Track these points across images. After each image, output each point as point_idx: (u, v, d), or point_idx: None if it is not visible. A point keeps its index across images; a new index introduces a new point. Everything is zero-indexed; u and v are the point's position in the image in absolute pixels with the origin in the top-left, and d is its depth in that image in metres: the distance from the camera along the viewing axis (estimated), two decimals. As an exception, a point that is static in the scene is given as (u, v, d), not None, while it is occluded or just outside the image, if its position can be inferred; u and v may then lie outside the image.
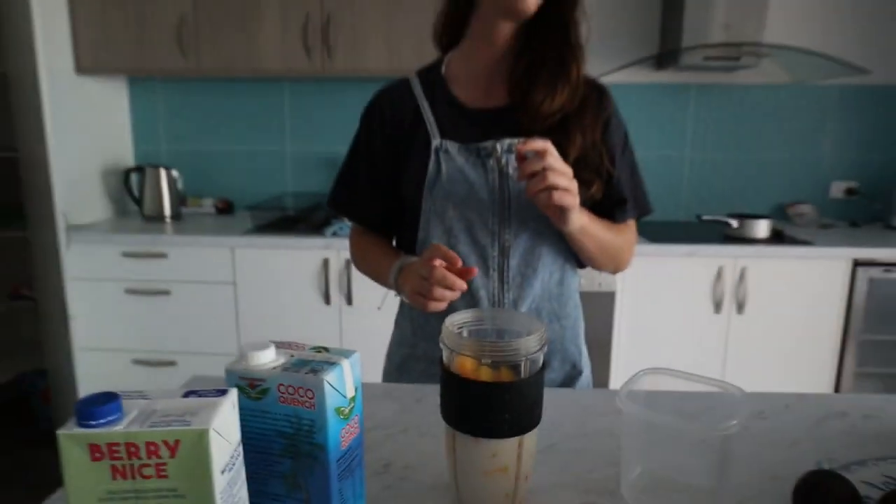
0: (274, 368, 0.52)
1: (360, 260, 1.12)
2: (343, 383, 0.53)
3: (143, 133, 2.95)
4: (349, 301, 2.38)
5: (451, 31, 1.03)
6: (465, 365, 0.62)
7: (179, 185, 2.81)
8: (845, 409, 0.88)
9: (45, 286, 2.46)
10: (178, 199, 2.77)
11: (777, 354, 2.41)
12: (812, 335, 2.40)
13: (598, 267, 1.05)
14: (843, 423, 0.84)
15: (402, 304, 1.09)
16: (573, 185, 0.85)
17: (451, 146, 0.97)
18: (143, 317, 2.45)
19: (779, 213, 2.90)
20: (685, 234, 2.49)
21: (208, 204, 2.89)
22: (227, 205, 2.90)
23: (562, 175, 0.83)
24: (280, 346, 0.56)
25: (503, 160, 0.95)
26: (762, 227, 2.45)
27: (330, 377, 0.50)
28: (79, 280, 2.41)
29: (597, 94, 1.01)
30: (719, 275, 2.35)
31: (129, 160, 2.92)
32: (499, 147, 0.95)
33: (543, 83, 0.95)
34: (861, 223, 2.83)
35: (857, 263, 2.34)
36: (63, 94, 2.41)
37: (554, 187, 0.82)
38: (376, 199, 1.06)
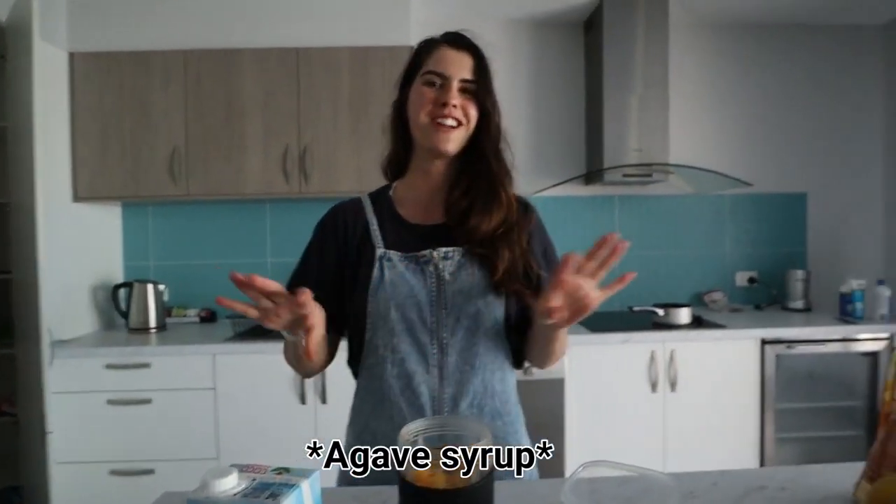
0: (235, 495, 0.48)
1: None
2: None
3: (133, 251, 2.90)
4: (323, 400, 2.29)
5: (395, 167, 1.10)
6: (421, 473, 0.59)
7: (165, 297, 2.74)
8: (764, 483, 0.87)
9: (26, 401, 2.28)
10: (164, 311, 2.69)
11: (708, 426, 2.39)
12: (735, 406, 2.41)
13: (541, 363, 1.03)
14: (762, 496, 0.83)
15: (349, 417, 1.05)
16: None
17: (394, 255, 0.99)
18: (124, 427, 2.27)
19: (696, 301, 2.99)
20: (620, 323, 2.52)
21: (192, 314, 2.81)
22: (210, 314, 2.82)
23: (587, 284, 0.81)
24: (244, 469, 0.53)
25: (440, 266, 0.97)
26: (684, 314, 2.51)
27: (288, 501, 0.47)
28: (61, 394, 2.24)
29: (521, 208, 1.04)
30: (652, 358, 2.37)
31: (119, 276, 2.85)
32: (436, 255, 0.98)
33: (479, 209, 0.99)
34: (763, 306, 2.93)
35: (765, 342, 2.39)
36: (59, 219, 2.36)
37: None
38: (320, 299, 0.98)
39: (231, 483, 0.49)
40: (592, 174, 2.77)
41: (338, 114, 2.52)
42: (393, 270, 0.97)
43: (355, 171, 2.52)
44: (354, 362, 1.04)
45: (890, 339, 2.43)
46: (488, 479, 0.60)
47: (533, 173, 2.87)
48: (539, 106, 2.95)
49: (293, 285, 1.03)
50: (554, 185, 2.78)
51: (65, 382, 2.25)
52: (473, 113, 0.99)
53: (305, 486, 0.50)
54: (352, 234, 1.03)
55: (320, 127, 2.52)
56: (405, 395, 0.95)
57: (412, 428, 0.64)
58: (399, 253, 0.99)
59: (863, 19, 2.98)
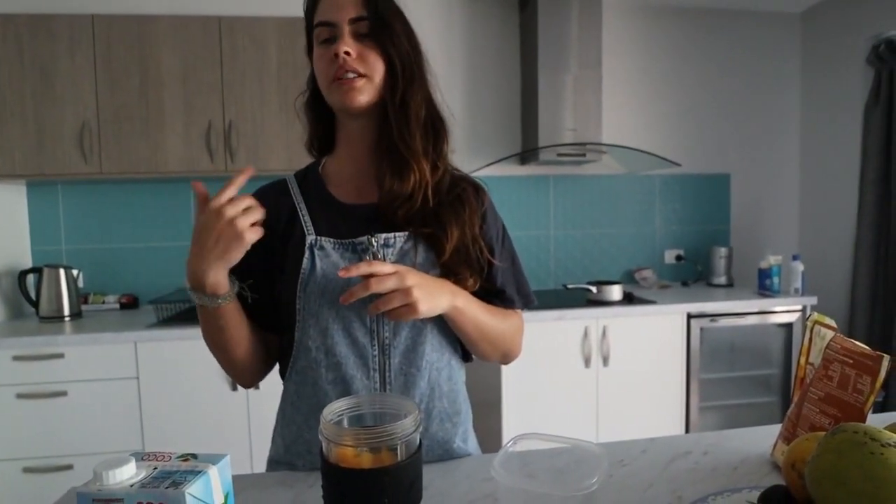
0: (132, 486, 0.44)
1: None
2: (210, 492, 0.46)
3: (42, 234, 2.67)
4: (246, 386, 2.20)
5: (319, 141, 0.97)
6: (346, 454, 0.57)
7: (80, 283, 2.55)
8: (689, 448, 0.91)
9: (-77, 397, 2.09)
10: (79, 298, 2.50)
11: (638, 397, 2.49)
12: (663, 378, 2.52)
13: (483, 354, 0.94)
14: (688, 461, 0.86)
15: (276, 421, 0.95)
16: (405, 282, 0.77)
17: (327, 242, 0.86)
18: (37, 421, 2.11)
19: (627, 278, 3.09)
20: (555, 301, 2.57)
21: (112, 300, 2.63)
22: (132, 300, 2.66)
23: (388, 278, 0.76)
24: (145, 458, 0.48)
25: (379, 255, 0.86)
26: (616, 291, 2.59)
27: (193, 489, 0.44)
28: (-37, 388, 2.07)
29: (472, 189, 0.93)
30: (586, 334, 2.43)
31: (27, 261, 2.63)
32: (374, 242, 0.86)
33: (388, 171, 0.87)
34: (690, 283, 3.08)
35: (691, 316, 2.51)
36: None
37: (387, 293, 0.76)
38: (253, 296, 0.89)
39: (128, 473, 0.44)
40: (527, 153, 2.79)
41: (265, 88, 2.40)
42: (326, 260, 0.85)
43: (284, 148, 2.42)
44: (283, 363, 0.92)
45: (803, 310, 2.60)
46: (415, 457, 0.58)
47: (468, 152, 2.87)
48: (474, 83, 2.93)
49: None
50: (489, 164, 2.78)
51: (-36, 377, 2.06)
52: (374, 57, 0.83)
53: (213, 472, 0.47)
54: (275, 220, 0.88)
55: (246, 102, 2.40)
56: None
57: (335, 407, 0.61)
58: (332, 240, 0.87)
59: (783, 7, 3.14)
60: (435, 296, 0.80)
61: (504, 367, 2.36)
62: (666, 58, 3.10)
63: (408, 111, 0.86)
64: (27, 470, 2.12)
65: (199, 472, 0.45)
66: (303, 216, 0.89)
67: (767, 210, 3.25)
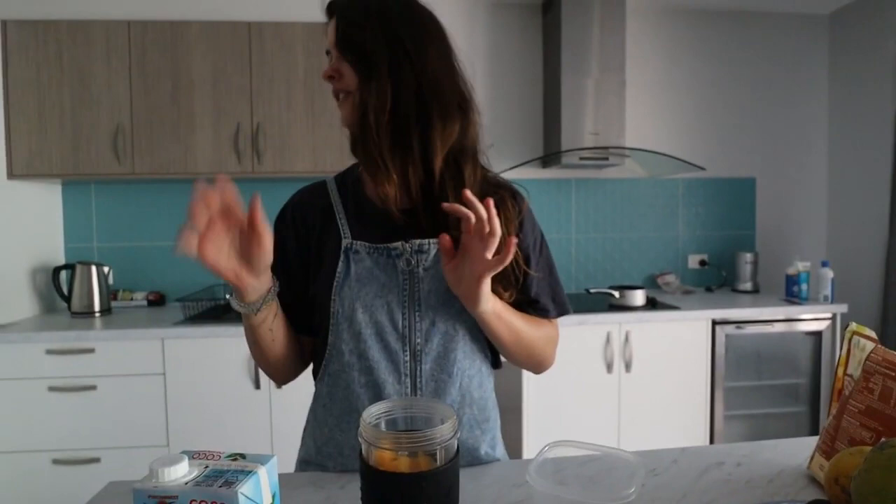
0: (186, 483, 0.45)
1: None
2: (259, 492, 0.47)
3: (75, 231, 2.74)
4: (278, 384, 2.23)
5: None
6: (384, 457, 0.57)
7: (110, 280, 2.61)
8: (722, 459, 0.89)
9: (-39, 389, 2.15)
10: (109, 294, 2.56)
11: (661, 404, 2.46)
12: (687, 385, 2.48)
13: (517, 361, 0.93)
14: (721, 472, 0.85)
15: (307, 422, 0.96)
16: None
17: (362, 247, 0.86)
18: (67, 414, 2.16)
19: (650, 283, 3.06)
20: (577, 305, 2.55)
21: (140, 297, 2.69)
22: (159, 297, 2.71)
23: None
24: (195, 456, 0.49)
25: (413, 261, 0.85)
26: (639, 296, 2.56)
27: (245, 488, 0.44)
28: (-2, 381, 2.12)
29: (510, 196, 0.90)
30: (608, 339, 2.41)
31: (60, 258, 2.69)
32: (408, 248, 0.85)
33: (370, 175, 0.86)
34: (714, 288, 3.03)
35: (715, 323, 2.47)
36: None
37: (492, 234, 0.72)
38: (288, 299, 0.89)
39: (182, 471, 0.45)
40: (550, 157, 2.78)
41: (292, 91, 2.43)
42: (360, 265, 0.85)
43: (310, 150, 2.44)
44: (316, 364, 0.93)
45: (833, 318, 2.55)
46: (453, 462, 0.58)
47: (490, 155, 2.86)
48: (497, 87, 2.93)
49: None
50: (511, 168, 2.78)
51: (2, 369, 2.12)
52: (348, 75, 0.83)
53: (262, 472, 0.47)
54: (312, 223, 0.90)
55: (274, 105, 2.43)
56: None
57: (374, 411, 0.62)
58: (367, 244, 0.86)
59: (810, 9, 3.08)
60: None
61: (525, 372, 2.35)
62: (690, 60, 3.07)
63: (368, 112, 0.82)
64: (56, 462, 2.17)
65: (250, 472, 0.46)
66: (339, 219, 0.89)
67: (794, 215, 3.19)
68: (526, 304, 0.92)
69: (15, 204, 2.39)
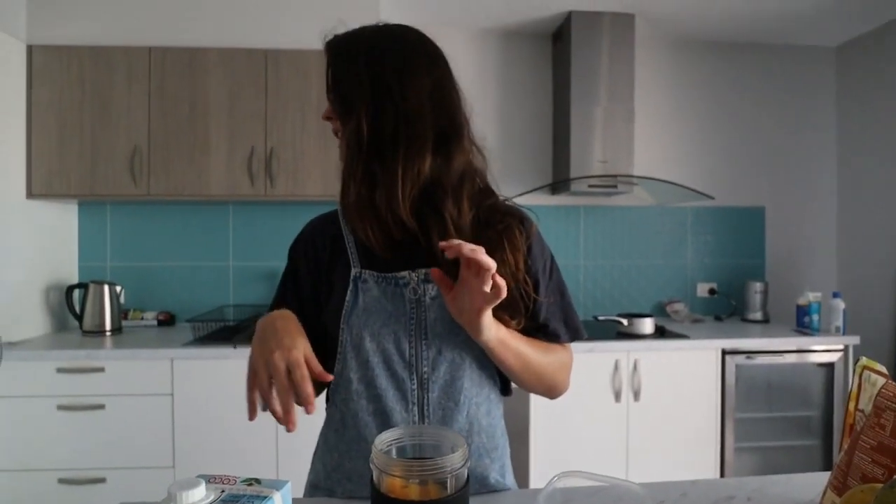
0: (203, 508, 0.46)
1: None
2: (274, 518, 0.47)
3: (90, 251, 2.78)
4: (286, 406, 2.23)
5: None
6: (395, 484, 0.58)
7: (122, 300, 2.63)
8: (732, 493, 0.89)
9: (-29, 406, 2.16)
10: (120, 313, 2.58)
11: (670, 434, 2.43)
12: (697, 415, 2.45)
13: (527, 387, 0.93)
14: (732, 507, 0.84)
15: (316, 446, 0.96)
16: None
17: (370, 276, 0.87)
18: (74, 433, 2.17)
19: (658, 311, 3.05)
20: (585, 332, 2.54)
21: (150, 317, 2.71)
22: (169, 317, 2.73)
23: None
24: (212, 480, 0.50)
25: (419, 290, 0.86)
26: (647, 325, 2.55)
27: (260, 514, 0.45)
28: (7, 398, 2.13)
29: (518, 222, 0.90)
30: (616, 367, 2.40)
31: (74, 277, 2.73)
32: (415, 276, 0.86)
33: (447, 201, 0.85)
34: (723, 317, 3.01)
35: (725, 352, 2.46)
36: (11, 217, 2.27)
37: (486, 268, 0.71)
38: (306, 327, 0.87)
39: (199, 495, 0.46)
40: (559, 184, 2.80)
41: (305, 117, 2.48)
42: (368, 294, 0.86)
43: (322, 175, 2.48)
44: (328, 390, 0.93)
45: (844, 350, 2.52)
46: (463, 491, 0.59)
47: (499, 182, 2.88)
48: (506, 115, 2.98)
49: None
50: (521, 194, 2.80)
51: (12, 386, 2.13)
52: (334, 116, 0.89)
53: (278, 497, 0.48)
54: (323, 253, 0.92)
55: (287, 130, 2.48)
56: None
57: (385, 438, 0.62)
58: (375, 273, 0.87)
59: (818, 41, 3.12)
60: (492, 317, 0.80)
61: (532, 398, 2.34)
62: (699, 90, 3.11)
63: (346, 152, 0.86)
64: (62, 481, 2.17)
65: (265, 497, 0.47)
66: (349, 248, 0.91)
67: (804, 244, 3.18)
68: (535, 329, 0.92)
69: (33, 223, 2.43)
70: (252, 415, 0.74)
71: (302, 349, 0.75)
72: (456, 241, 0.71)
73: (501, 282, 0.73)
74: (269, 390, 0.73)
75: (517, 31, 2.96)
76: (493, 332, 0.81)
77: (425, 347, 0.86)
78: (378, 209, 0.84)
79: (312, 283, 0.92)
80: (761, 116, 3.15)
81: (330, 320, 0.88)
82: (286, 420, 0.72)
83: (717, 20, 2.85)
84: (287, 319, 0.80)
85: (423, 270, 0.86)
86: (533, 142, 3.01)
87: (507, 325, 0.85)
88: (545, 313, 0.92)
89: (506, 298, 0.77)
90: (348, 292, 0.87)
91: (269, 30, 2.47)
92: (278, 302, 0.94)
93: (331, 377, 0.77)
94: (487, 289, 0.73)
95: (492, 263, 0.71)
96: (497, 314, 0.80)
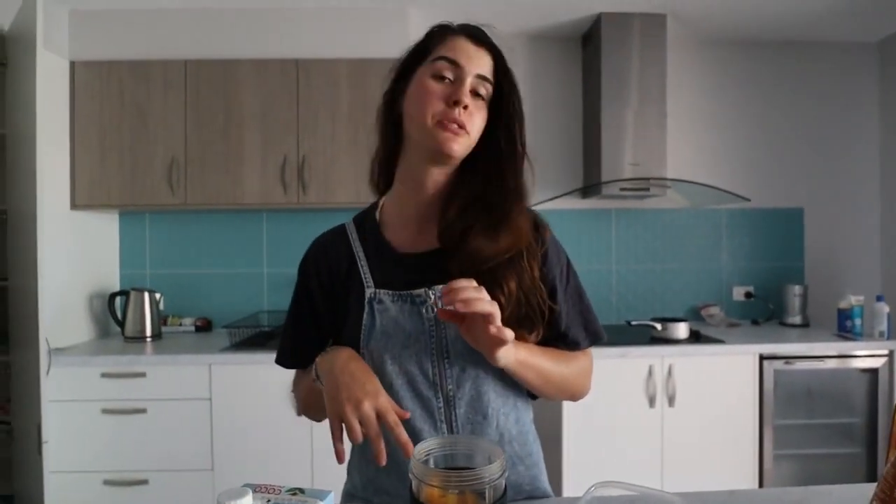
0: (251, 517, 0.47)
1: (302, 397, 0.96)
2: (318, 526, 0.49)
3: (130, 259, 2.88)
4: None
5: (386, 173, 0.94)
6: (433, 494, 0.59)
7: (161, 306, 2.72)
8: (773, 505, 0.87)
9: (21, 409, 2.25)
10: (160, 320, 2.67)
11: (707, 441, 2.38)
12: (734, 422, 2.40)
13: (548, 398, 0.93)
14: (773, 519, 0.83)
15: (351, 455, 0.95)
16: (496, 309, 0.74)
17: (385, 296, 0.85)
18: (118, 436, 2.24)
19: (693, 315, 2.99)
20: (618, 338, 2.51)
21: (188, 323, 2.79)
22: (207, 323, 2.80)
23: (485, 302, 0.73)
24: (257, 489, 0.52)
25: (438, 306, 0.82)
26: (682, 329, 2.51)
27: (306, 523, 0.47)
28: (56, 402, 2.21)
29: (532, 229, 0.88)
30: (650, 372, 2.36)
31: (115, 284, 2.83)
32: (432, 294, 0.84)
33: (481, 229, 0.83)
34: (760, 321, 2.94)
35: (763, 357, 2.40)
36: (57, 227, 2.36)
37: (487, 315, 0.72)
38: (323, 347, 0.90)
39: (246, 504, 0.48)
40: (590, 188, 2.78)
41: (336, 125, 2.52)
42: (385, 314, 0.85)
43: (353, 182, 2.52)
44: None
45: (889, 355, 2.44)
46: (501, 501, 0.60)
47: (530, 186, 2.88)
48: (537, 119, 2.97)
49: (286, 343, 0.97)
50: (552, 199, 2.79)
51: (60, 391, 2.22)
52: (479, 122, 0.84)
53: (320, 508, 0.50)
54: (336, 271, 0.90)
55: (319, 138, 2.52)
56: None
57: (424, 447, 0.64)
58: (391, 292, 0.86)
59: (857, 37, 3.03)
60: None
61: (566, 405, 2.32)
62: (732, 90, 3.04)
63: (519, 176, 0.89)
64: (107, 482, 2.25)
65: (309, 507, 0.49)
66: (362, 267, 0.89)
67: (845, 246, 3.08)
68: (555, 338, 0.91)
69: (77, 232, 2.53)
70: (341, 460, 0.76)
71: (384, 392, 0.77)
72: (456, 288, 0.71)
73: (508, 334, 0.74)
74: (359, 437, 0.74)
75: (546, 34, 2.95)
76: (512, 356, 0.80)
77: (448, 366, 0.85)
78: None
79: (328, 303, 0.91)
80: (798, 116, 3.06)
81: (351, 344, 0.87)
82: (378, 456, 0.73)
83: (750, 18, 2.78)
84: (358, 360, 0.82)
85: (440, 287, 0.81)
86: (563, 145, 2.99)
87: (524, 339, 0.84)
88: (565, 321, 0.91)
89: (522, 313, 0.79)
90: (365, 315, 0.85)
91: (299, 40, 2.53)
92: (292, 323, 0.96)
93: (408, 415, 0.78)
94: (494, 329, 0.73)
95: (492, 309, 0.72)
96: (513, 328, 0.79)
